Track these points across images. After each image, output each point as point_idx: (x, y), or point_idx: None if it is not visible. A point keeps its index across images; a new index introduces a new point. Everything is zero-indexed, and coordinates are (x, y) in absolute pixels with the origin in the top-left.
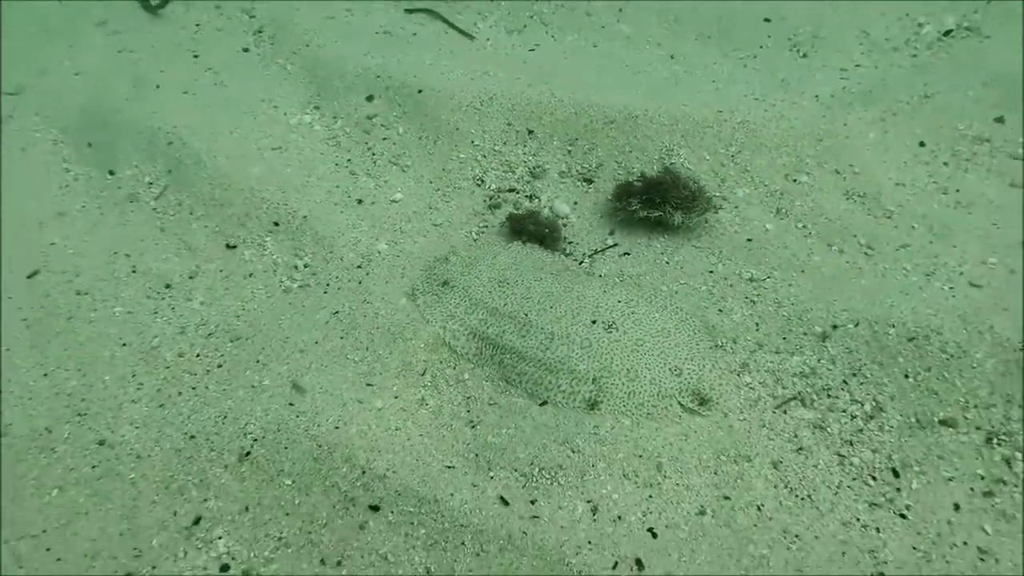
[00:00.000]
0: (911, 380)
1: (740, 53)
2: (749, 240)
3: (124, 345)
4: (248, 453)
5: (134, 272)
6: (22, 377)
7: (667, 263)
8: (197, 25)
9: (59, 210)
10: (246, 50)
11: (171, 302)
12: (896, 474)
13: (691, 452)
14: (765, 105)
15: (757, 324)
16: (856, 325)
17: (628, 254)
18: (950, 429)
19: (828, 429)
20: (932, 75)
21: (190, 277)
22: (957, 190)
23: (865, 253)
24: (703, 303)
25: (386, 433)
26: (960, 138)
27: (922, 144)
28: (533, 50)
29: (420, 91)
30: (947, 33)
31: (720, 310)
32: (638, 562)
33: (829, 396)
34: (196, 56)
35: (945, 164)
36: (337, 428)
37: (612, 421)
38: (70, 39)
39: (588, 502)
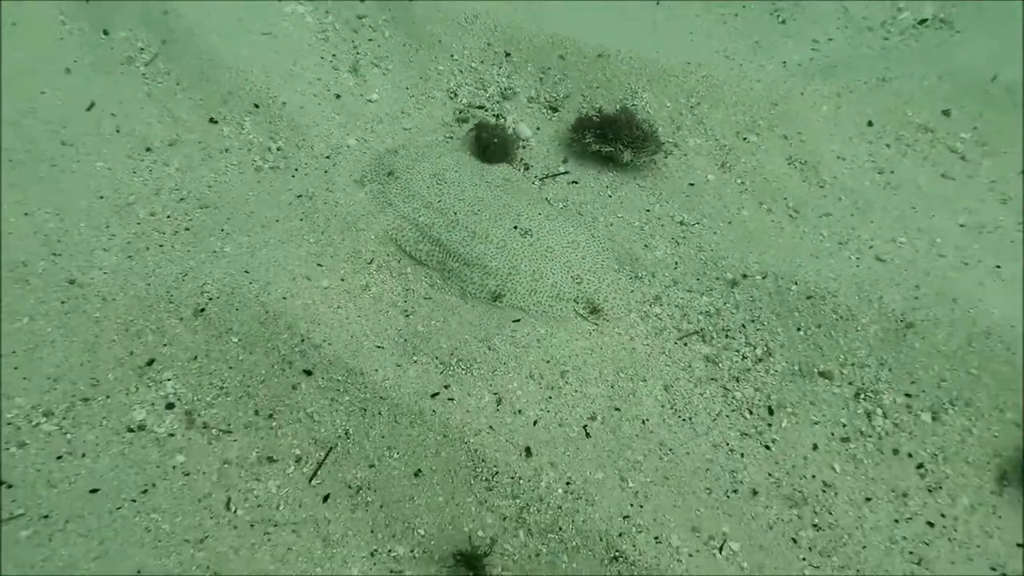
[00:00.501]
0: (801, 333)
1: (723, 9)
2: (690, 185)
3: (101, 198)
4: (203, 310)
5: (118, 132)
6: (4, 212)
7: (610, 196)
8: None
9: (51, 61)
10: None
11: (149, 164)
12: (771, 411)
13: (593, 365)
14: (732, 64)
15: (676, 263)
16: (764, 277)
17: (576, 183)
18: (826, 380)
19: (720, 364)
20: (896, 60)
21: (170, 144)
22: (892, 172)
23: (790, 215)
24: (633, 237)
25: (328, 310)
26: (907, 124)
27: (870, 124)
28: None
29: None
30: (922, 22)
31: (646, 245)
32: (527, 450)
33: (727, 336)
34: None
35: (887, 146)
36: (284, 299)
37: (529, 328)
38: None
39: (495, 394)
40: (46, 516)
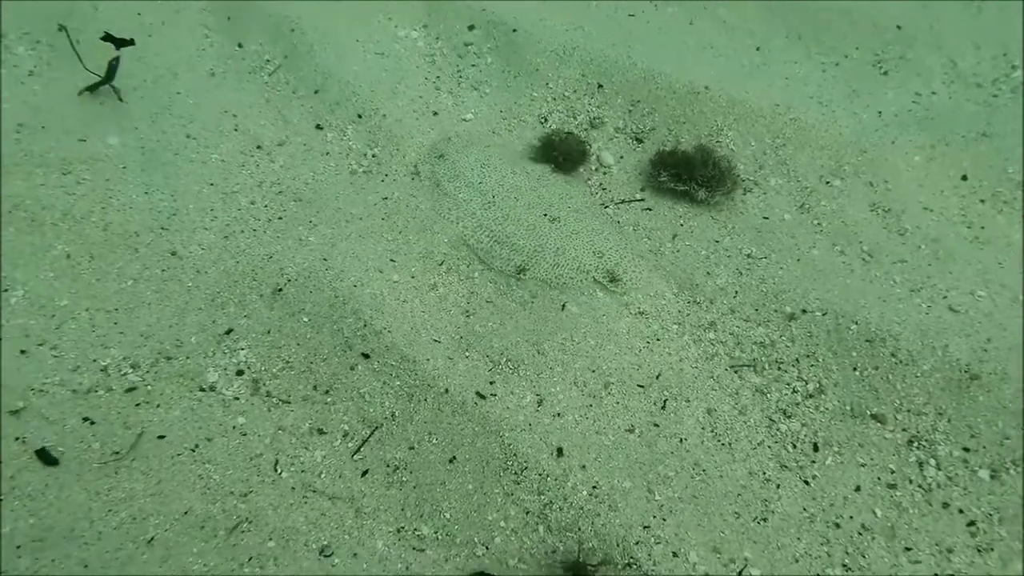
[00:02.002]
0: (857, 373)
1: (824, 58)
2: (764, 221)
3: (211, 185)
4: (281, 289)
5: (236, 130)
6: (129, 190)
7: (681, 225)
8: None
9: (191, 67)
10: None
11: (258, 160)
12: (816, 448)
13: (639, 381)
14: (824, 110)
15: (736, 292)
16: (824, 314)
17: (650, 210)
18: (878, 424)
19: (768, 396)
20: (1001, 117)
21: (279, 144)
22: (982, 227)
23: (863, 259)
24: (696, 264)
25: (395, 301)
26: (1006, 180)
27: (964, 178)
28: (633, 16)
29: (515, 30)
30: None
31: (708, 273)
32: (559, 451)
33: (779, 369)
34: None
35: (981, 201)
36: (355, 287)
37: (579, 338)
38: None
39: (537, 395)
40: (116, 452)
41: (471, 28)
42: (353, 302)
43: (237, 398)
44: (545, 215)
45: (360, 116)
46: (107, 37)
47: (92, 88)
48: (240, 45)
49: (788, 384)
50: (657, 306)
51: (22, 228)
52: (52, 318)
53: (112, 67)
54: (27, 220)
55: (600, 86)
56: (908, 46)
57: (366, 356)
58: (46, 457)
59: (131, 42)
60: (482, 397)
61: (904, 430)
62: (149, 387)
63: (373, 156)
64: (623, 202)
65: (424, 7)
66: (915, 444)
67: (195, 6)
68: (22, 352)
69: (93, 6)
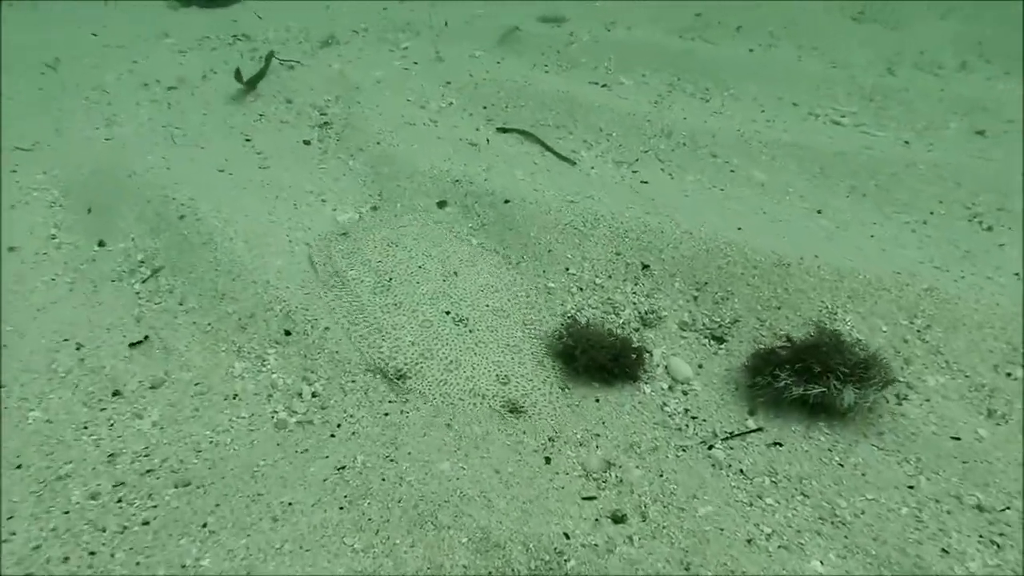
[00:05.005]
0: None
1: (905, 216)
2: (954, 442)
3: (20, 467)
4: None
5: (81, 363)
6: None
7: (840, 466)
8: (260, 115)
9: (21, 279)
10: (307, 142)
11: (113, 414)
12: None
13: None
14: (953, 275)
15: None
16: None
17: (780, 445)
18: None
19: None
20: None
21: (151, 387)
22: None
23: None
24: (909, 534)
25: None
26: None
27: None
28: (646, 183)
29: (507, 201)
30: None
31: (944, 550)
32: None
33: None
34: (248, 139)
35: None
36: None
37: None
38: (118, 107)
39: None
40: None
41: (441, 204)
42: None
43: None
44: (447, 312)
45: (288, 333)
46: None
47: None
48: (102, 244)
49: None
50: None
51: None
52: None
53: None
54: None
55: (646, 266)
56: (1003, 195)
57: None
58: None
59: None
60: None
61: None
62: None
63: (313, 395)
64: (732, 436)
65: (371, 184)
66: None
67: (39, 201)
68: None
69: None
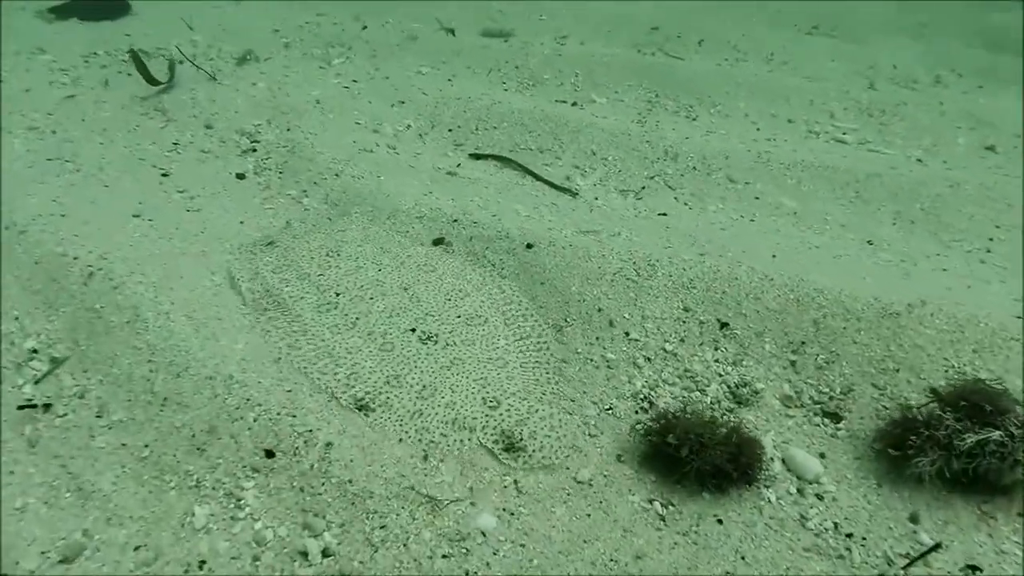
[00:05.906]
0: None
1: (966, 244)
2: None
3: None
4: None
5: None
6: None
7: None
8: (175, 144)
9: None
10: (241, 176)
11: None
12: None
13: None
14: None
15: None
16: None
17: (979, 570)
18: None
19: None
20: None
21: (61, 560)
22: None
23: None
24: None
25: None
26: None
27: None
28: (664, 215)
29: (529, 246)
30: None
31: None
32: None
33: None
34: (165, 174)
35: None
36: None
37: None
38: None
39: None
40: None
41: (438, 243)
42: None
43: None
44: (413, 330)
45: (271, 453)
46: None
47: None
48: None
49: None
50: None
51: None
52: None
53: None
54: None
55: (724, 325)
56: None
57: None
58: None
59: None
60: None
61: None
62: None
63: (325, 554)
64: (912, 562)
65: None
66: None
67: None
68: None
69: None
